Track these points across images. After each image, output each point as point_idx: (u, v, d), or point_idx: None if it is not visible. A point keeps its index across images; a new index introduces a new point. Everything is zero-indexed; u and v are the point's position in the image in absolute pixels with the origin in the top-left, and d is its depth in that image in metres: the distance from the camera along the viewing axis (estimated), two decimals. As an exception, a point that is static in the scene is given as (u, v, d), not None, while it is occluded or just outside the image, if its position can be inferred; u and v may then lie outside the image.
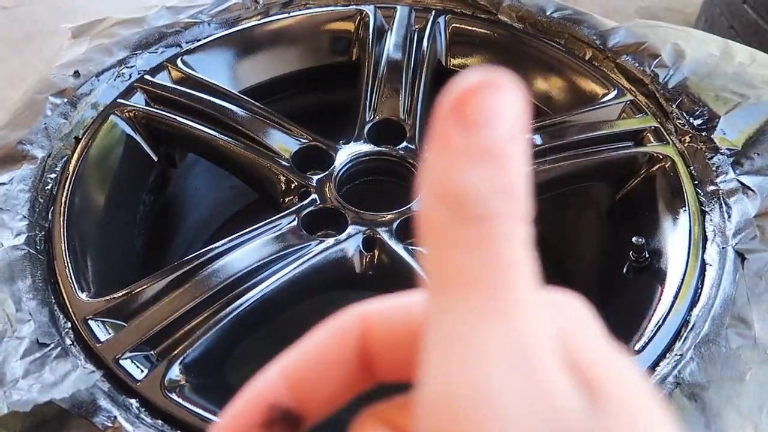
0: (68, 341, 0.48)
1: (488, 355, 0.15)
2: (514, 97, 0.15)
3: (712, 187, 0.61)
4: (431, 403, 0.15)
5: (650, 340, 0.50)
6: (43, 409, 0.42)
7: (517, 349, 0.15)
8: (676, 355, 0.48)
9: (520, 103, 0.15)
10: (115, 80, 0.70)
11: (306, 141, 0.69)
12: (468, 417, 0.14)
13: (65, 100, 0.66)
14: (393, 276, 0.59)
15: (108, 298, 0.52)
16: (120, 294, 0.53)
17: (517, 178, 0.15)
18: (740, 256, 0.53)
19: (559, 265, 0.79)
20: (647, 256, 0.58)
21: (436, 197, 0.16)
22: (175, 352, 0.50)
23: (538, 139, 0.68)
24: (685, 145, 0.66)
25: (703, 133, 0.65)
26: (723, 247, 0.55)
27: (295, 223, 0.61)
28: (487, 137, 0.15)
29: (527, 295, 0.15)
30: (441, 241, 0.16)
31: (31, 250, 0.53)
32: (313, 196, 0.64)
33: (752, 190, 0.58)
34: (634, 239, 0.58)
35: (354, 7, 0.82)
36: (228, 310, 0.53)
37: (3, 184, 0.57)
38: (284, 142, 0.68)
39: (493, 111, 0.15)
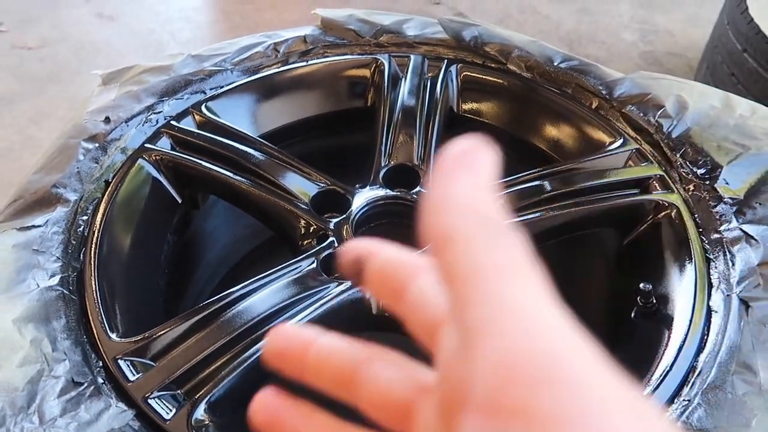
0: (100, 380, 0.51)
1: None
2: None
3: (716, 235, 0.63)
4: (490, 367, 0.18)
5: (659, 384, 0.52)
6: (78, 448, 0.44)
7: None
8: (684, 400, 0.50)
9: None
10: (143, 125, 0.74)
11: (324, 185, 0.72)
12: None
13: (96, 145, 0.70)
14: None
15: (135, 339, 0.55)
16: (146, 335, 0.55)
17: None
18: (744, 303, 0.56)
19: (567, 308, 0.81)
20: (654, 301, 0.60)
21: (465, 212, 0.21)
22: (201, 392, 0.52)
23: (547, 185, 0.71)
24: (689, 193, 0.68)
25: (707, 182, 0.68)
26: (728, 295, 0.57)
27: (314, 265, 0.64)
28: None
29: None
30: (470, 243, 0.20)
31: (64, 291, 0.56)
32: (331, 238, 0.67)
33: (755, 239, 0.60)
34: (641, 285, 0.60)
35: (370, 55, 0.86)
36: (251, 351, 0.55)
37: (39, 226, 0.60)
38: (303, 186, 0.71)
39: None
